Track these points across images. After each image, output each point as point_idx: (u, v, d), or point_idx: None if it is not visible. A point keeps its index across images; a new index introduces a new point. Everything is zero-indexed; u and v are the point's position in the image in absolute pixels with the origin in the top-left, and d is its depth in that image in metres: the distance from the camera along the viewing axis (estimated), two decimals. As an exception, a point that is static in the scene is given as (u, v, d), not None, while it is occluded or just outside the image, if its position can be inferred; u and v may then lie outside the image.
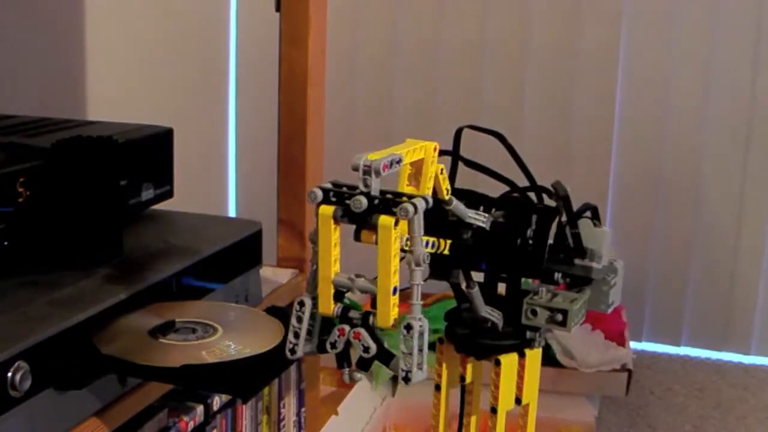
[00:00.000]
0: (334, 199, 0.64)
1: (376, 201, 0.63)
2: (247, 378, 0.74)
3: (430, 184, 0.68)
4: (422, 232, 0.63)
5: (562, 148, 2.17)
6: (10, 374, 0.68)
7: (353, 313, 0.66)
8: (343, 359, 0.67)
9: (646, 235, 2.16)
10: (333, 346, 0.67)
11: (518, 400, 0.77)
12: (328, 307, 0.66)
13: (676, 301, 2.17)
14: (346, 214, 0.63)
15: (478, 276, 0.78)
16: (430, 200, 0.64)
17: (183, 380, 0.76)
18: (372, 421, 1.59)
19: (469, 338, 0.78)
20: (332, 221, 0.64)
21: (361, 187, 0.63)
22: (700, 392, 1.95)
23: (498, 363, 0.75)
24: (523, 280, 0.77)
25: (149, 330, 0.80)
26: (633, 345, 1.94)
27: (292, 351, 0.68)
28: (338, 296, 0.66)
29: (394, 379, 1.70)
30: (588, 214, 0.77)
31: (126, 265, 0.89)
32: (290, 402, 1.22)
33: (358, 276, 0.67)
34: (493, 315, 0.76)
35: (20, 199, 0.85)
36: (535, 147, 2.09)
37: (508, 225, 0.74)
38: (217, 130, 2.23)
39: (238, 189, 2.31)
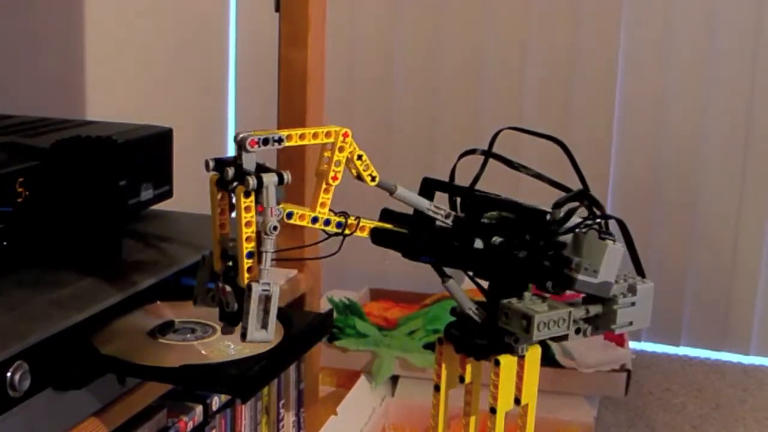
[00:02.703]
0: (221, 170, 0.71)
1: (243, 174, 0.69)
2: (246, 378, 0.74)
3: (339, 168, 0.72)
4: (273, 204, 0.68)
5: (561, 151, 2.17)
6: (9, 374, 0.68)
7: (233, 273, 0.73)
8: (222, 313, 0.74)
9: (645, 235, 2.16)
10: (212, 299, 0.75)
11: (517, 401, 0.77)
12: (218, 264, 0.73)
13: (675, 301, 2.17)
14: (222, 183, 0.71)
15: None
16: (286, 176, 0.69)
17: (182, 380, 0.76)
18: (371, 422, 1.59)
19: (465, 337, 0.78)
20: (216, 188, 0.72)
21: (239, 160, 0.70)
22: (699, 392, 1.95)
23: (497, 363, 0.75)
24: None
25: (148, 330, 0.81)
26: (632, 345, 1.94)
27: (195, 300, 0.77)
28: (226, 256, 0.73)
29: (394, 379, 1.70)
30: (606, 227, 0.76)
31: (125, 265, 0.89)
32: (289, 402, 1.22)
33: (234, 240, 0.73)
34: (477, 313, 0.76)
35: (19, 199, 0.85)
36: (534, 149, 2.08)
37: (462, 223, 0.75)
38: (216, 130, 2.23)
39: (238, 189, 2.31)
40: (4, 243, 0.84)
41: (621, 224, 0.77)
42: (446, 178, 0.80)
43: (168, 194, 1.11)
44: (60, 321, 0.75)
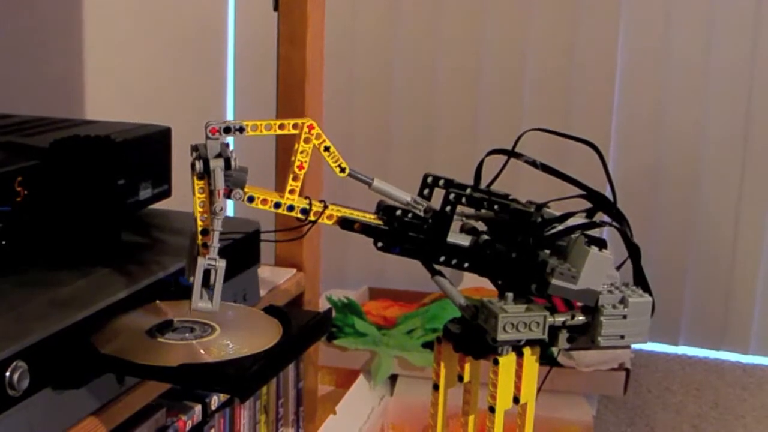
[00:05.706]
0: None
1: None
2: (245, 377, 0.74)
3: (302, 157, 0.77)
4: (220, 187, 0.73)
5: (560, 150, 2.17)
6: (8, 374, 0.68)
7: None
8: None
9: (644, 235, 2.16)
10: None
11: (516, 400, 0.77)
12: (198, 240, 0.77)
13: (674, 300, 2.17)
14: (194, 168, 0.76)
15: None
16: (233, 162, 0.74)
17: (181, 379, 0.76)
18: (370, 421, 1.59)
19: (464, 336, 0.78)
20: (192, 171, 0.76)
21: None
22: (698, 391, 1.95)
23: (496, 362, 0.75)
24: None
25: (147, 329, 0.80)
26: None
27: (185, 273, 0.82)
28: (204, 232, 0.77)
29: (393, 378, 1.71)
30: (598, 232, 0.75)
31: (124, 265, 0.89)
32: (288, 401, 1.22)
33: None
34: (466, 310, 0.76)
35: (18, 199, 0.85)
36: (534, 150, 2.08)
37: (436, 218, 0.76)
38: (215, 130, 2.22)
39: (237, 188, 2.31)
40: (3, 242, 0.84)
41: (622, 233, 0.76)
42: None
43: (166, 193, 1.11)
44: (59, 320, 0.75)
